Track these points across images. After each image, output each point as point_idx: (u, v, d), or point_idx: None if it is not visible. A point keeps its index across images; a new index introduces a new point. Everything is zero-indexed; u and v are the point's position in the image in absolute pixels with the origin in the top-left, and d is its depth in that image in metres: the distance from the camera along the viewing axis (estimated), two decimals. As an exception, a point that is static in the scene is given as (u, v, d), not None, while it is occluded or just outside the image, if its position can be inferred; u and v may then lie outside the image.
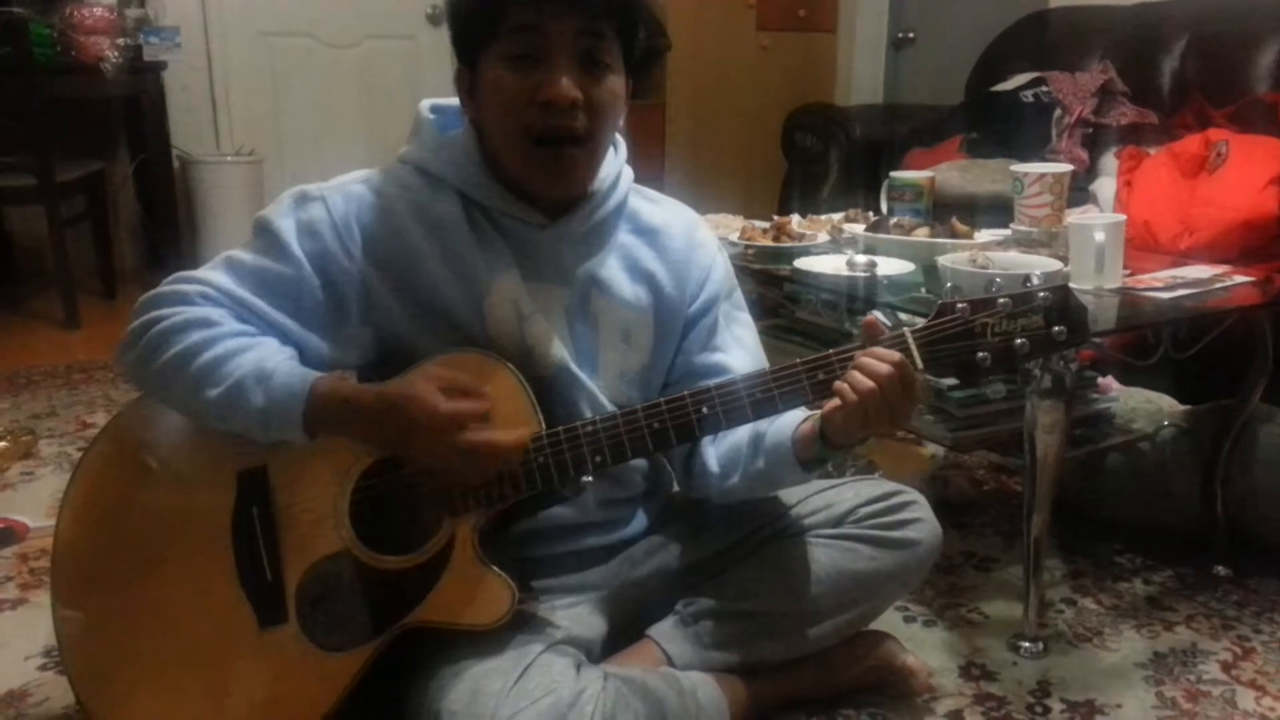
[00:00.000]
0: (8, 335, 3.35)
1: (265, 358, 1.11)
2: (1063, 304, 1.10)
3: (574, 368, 1.23)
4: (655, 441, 1.14)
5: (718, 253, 1.35)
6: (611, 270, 1.26)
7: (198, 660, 1.17)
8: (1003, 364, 1.11)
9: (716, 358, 1.30)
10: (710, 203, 2.18)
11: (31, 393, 2.74)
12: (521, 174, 1.19)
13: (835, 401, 1.10)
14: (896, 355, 1.08)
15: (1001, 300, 1.10)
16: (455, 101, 1.25)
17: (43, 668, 1.49)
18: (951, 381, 1.62)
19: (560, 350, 1.22)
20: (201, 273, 1.17)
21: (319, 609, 1.16)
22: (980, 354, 1.10)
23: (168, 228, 3.73)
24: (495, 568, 1.14)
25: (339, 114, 4.19)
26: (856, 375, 1.08)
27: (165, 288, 1.16)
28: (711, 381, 1.15)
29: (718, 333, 1.32)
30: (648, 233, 1.30)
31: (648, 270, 1.28)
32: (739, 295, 1.37)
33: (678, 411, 1.13)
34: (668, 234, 1.31)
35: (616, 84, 1.17)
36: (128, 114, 3.84)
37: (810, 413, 1.19)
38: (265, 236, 1.17)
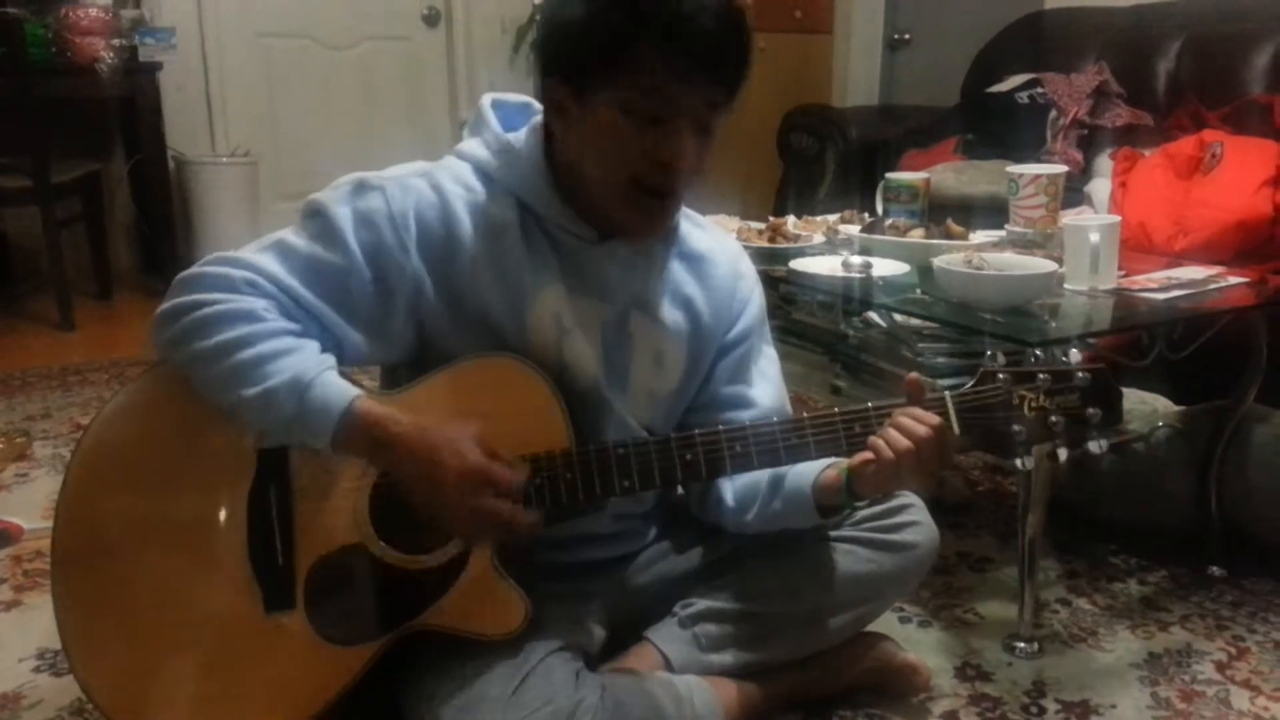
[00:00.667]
0: (2, 337, 3.35)
1: (304, 365, 1.08)
2: (1100, 386, 1.12)
3: (605, 390, 1.22)
4: (685, 473, 1.14)
5: (756, 285, 1.35)
6: (654, 292, 1.25)
7: (198, 636, 1.14)
8: (1036, 440, 1.13)
9: (742, 390, 1.30)
10: (706, 203, 2.17)
11: (26, 394, 2.74)
12: (615, 212, 1.17)
13: (868, 455, 1.11)
14: (936, 419, 1.09)
15: (1042, 376, 1.12)
16: (516, 98, 1.24)
17: (36, 670, 1.48)
18: (949, 381, 1.62)
19: (595, 369, 1.21)
20: (251, 255, 1.13)
21: (328, 600, 1.14)
22: (1016, 428, 1.12)
23: (163, 229, 3.73)
24: (511, 580, 1.13)
25: (335, 115, 4.19)
26: (894, 434, 1.09)
27: (212, 268, 1.12)
28: (746, 418, 1.16)
29: (748, 366, 1.32)
30: (693, 259, 1.29)
31: (688, 296, 1.28)
32: (768, 328, 1.37)
33: (711, 446, 1.13)
34: (712, 262, 1.30)
35: (715, 140, 1.15)
36: (123, 115, 3.83)
37: (833, 460, 1.19)
38: (320, 222, 1.14)
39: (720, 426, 1.15)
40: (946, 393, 1.12)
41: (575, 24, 1.10)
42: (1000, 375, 1.12)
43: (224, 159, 3.89)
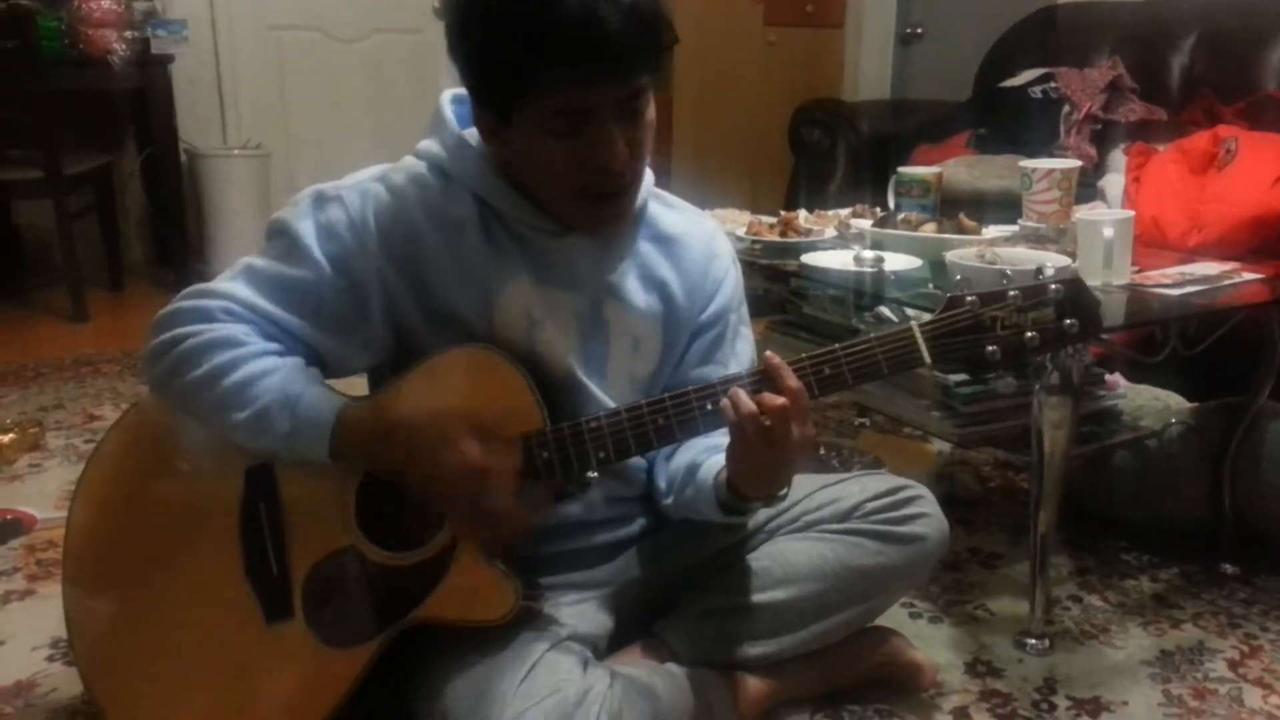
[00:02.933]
0: (15, 328, 3.37)
1: (291, 381, 1.11)
2: (1074, 296, 1.09)
3: (581, 375, 1.22)
4: (659, 437, 1.13)
5: (732, 265, 1.34)
6: (626, 278, 1.25)
7: (204, 653, 1.18)
8: (1013, 358, 1.09)
9: (715, 371, 1.29)
10: (717, 197, 2.17)
11: (39, 385, 2.75)
12: (570, 219, 1.18)
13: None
14: (794, 384, 1.06)
15: (1012, 293, 1.08)
16: None
17: (50, 659, 1.49)
18: (959, 377, 1.62)
19: (568, 357, 1.21)
20: (221, 285, 1.15)
21: (325, 604, 1.16)
22: (990, 348, 1.09)
23: (175, 221, 3.74)
24: (499, 563, 1.14)
25: (346, 107, 4.20)
26: (740, 395, 1.06)
27: (187, 303, 1.14)
28: (714, 377, 1.14)
29: (721, 346, 1.31)
30: (665, 241, 1.28)
31: (661, 279, 1.27)
32: (744, 308, 1.36)
33: (682, 406, 1.12)
34: (685, 244, 1.29)
35: (650, 113, 1.14)
36: (135, 107, 3.84)
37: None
38: (283, 240, 1.16)
39: (690, 388, 1.13)
40: (912, 322, 1.10)
41: (479, 58, 1.09)
42: (968, 298, 1.09)
43: (235, 151, 3.90)
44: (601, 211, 1.16)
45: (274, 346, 1.14)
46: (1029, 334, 1.08)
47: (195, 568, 1.18)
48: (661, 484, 1.31)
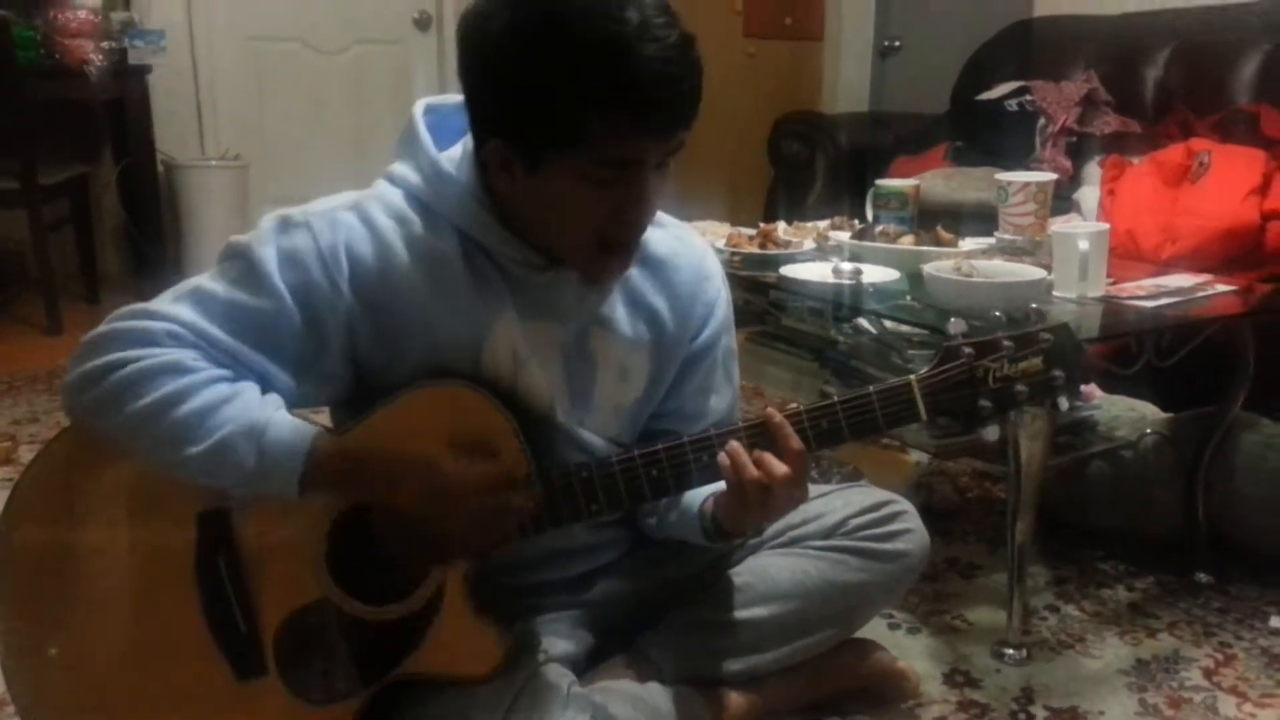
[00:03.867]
0: (-11, 340, 3.33)
1: (252, 408, 1.02)
2: (1061, 346, 1.11)
3: (562, 415, 1.18)
4: (653, 490, 1.11)
5: (723, 286, 1.29)
6: (613, 307, 1.19)
7: (167, 711, 1.10)
8: (1003, 410, 1.11)
9: (709, 399, 1.28)
10: (696, 209, 2.17)
11: (13, 398, 2.72)
12: (577, 267, 1.12)
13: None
14: (797, 447, 1.06)
15: (1006, 343, 1.10)
16: (452, 99, 1.15)
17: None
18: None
19: (549, 396, 1.17)
20: (164, 306, 1.05)
21: (301, 661, 1.10)
22: (983, 402, 1.10)
23: (152, 232, 3.71)
24: (487, 619, 1.11)
25: (325, 119, 4.18)
26: (742, 458, 1.06)
27: (125, 323, 1.03)
28: (712, 428, 1.12)
29: (714, 372, 1.28)
30: (655, 264, 1.22)
31: (650, 305, 1.22)
32: (733, 330, 1.32)
33: (677, 459, 1.09)
34: (674, 266, 1.23)
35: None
36: (112, 118, 3.81)
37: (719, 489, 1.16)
38: (241, 265, 1.06)
39: (685, 437, 1.11)
40: (911, 376, 1.11)
41: (525, 102, 1.00)
42: (964, 350, 1.10)
43: (213, 162, 3.87)
44: (613, 262, 1.12)
45: (225, 373, 1.04)
46: (1019, 387, 1.10)
47: (150, 622, 1.09)
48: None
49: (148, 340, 1.02)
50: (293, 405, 1.08)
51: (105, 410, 1.02)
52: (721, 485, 1.11)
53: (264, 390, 1.07)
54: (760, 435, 1.08)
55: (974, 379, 1.10)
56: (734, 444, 1.07)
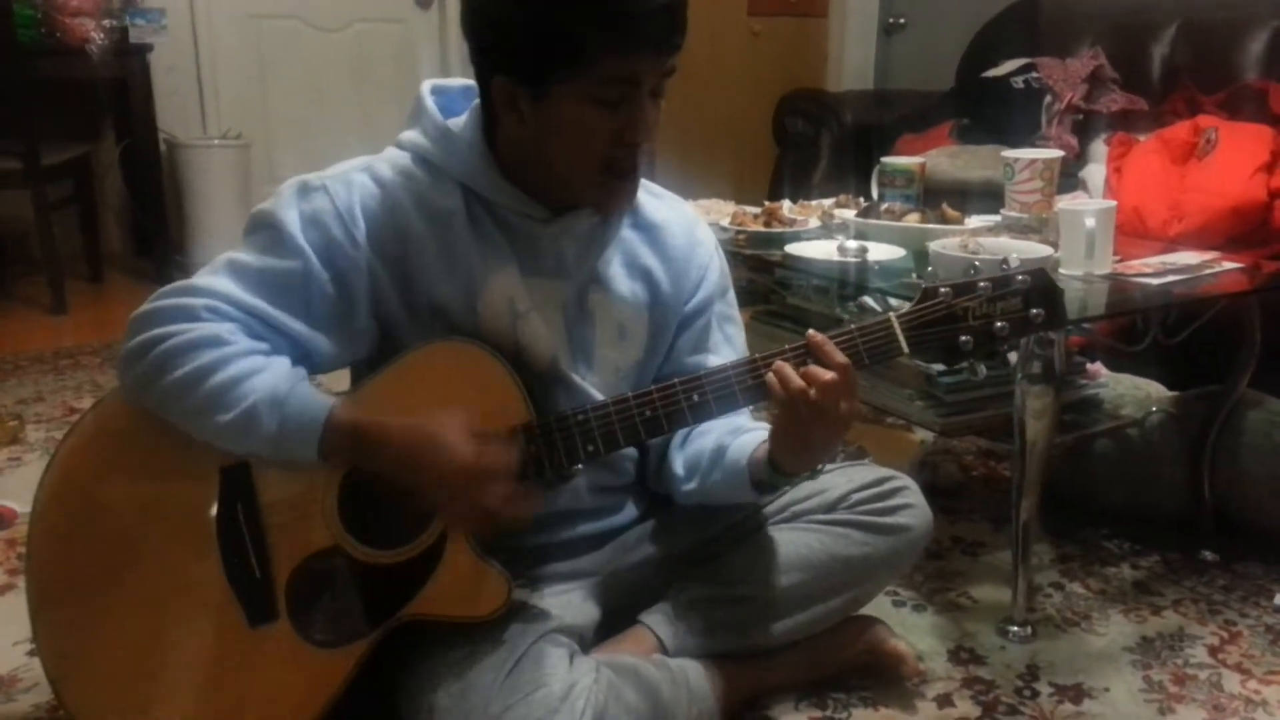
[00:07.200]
0: (-6, 320, 3.33)
1: (278, 380, 1.08)
2: (1040, 287, 1.14)
3: (565, 367, 1.22)
4: (647, 429, 1.14)
5: (715, 252, 1.35)
6: (611, 266, 1.26)
7: (184, 657, 1.14)
8: (984, 346, 1.14)
9: (706, 359, 1.29)
10: (701, 188, 2.17)
11: (18, 378, 2.73)
12: (586, 197, 1.19)
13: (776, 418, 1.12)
14: (841, 359, 1.09)
15: (982, 284, 1.13)
16: (457, 82, 1.23)
17: (31, 654, 1.48)
18: (941, 366, 1.62)
19: (553, 349, 1.21)
20: (204, 280, 1.12)
21: (311, 605, 1.14)
22: (963, 337, 1.13)
23: (154, 211, 3.71)
24: (490, 559, 1.13)
25: (327, 97, 4.16)
26: (788, 371, 1.09)
27: (167, 300, 1.10)
28: (706, 366, 1.16)
29: (710, 333, 1.32)
30: (648, 229, 1.29)
31: (646, 267, 1.28)
32: (732, 294, 1.37)
33: (669, 399, 1.13)
34: (668, 231, 1.30)
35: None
36: (114, 97, 3.79)
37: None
38: (268, 232, 1.13)
39: (675, 379, 1.14)
40: (890, 313, 1.14)
41: (526, 29, 1.07)
42: (942, 289, 1.14)
43: (215, 141, 3.86)
44: (621, 187, 1.18)
45: (261, 345, 1.11)
46: (999, 324, 1.13)
47: (170, 570, 1.14)
48: (679, 470, 1.30)
49: (188, 315, 1.09)
50: (332, 365, 1.17)
51: (149, 383, 1.09)
52: (756, 433, 1.17)
53: (301, 355, 1.14)
54: (806, 355, 1.11)
55: (953, 315, 1.13)
56: (779, 362, 1.11)
